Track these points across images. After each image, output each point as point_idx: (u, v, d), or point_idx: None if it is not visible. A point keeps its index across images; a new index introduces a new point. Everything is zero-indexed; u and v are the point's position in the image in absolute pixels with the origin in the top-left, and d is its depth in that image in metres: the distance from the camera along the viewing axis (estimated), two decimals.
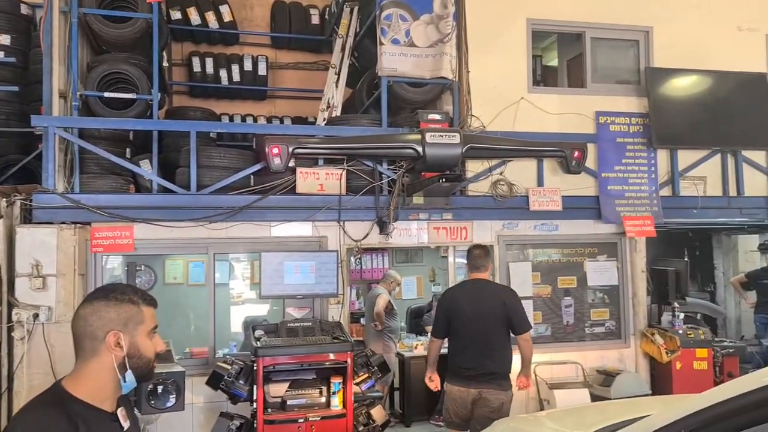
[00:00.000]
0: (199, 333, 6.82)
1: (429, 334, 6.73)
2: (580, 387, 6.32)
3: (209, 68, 8.17)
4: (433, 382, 4.94)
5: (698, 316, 8.62)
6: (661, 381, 6.78)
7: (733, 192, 7.21)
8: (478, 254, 4.86)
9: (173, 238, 5.60)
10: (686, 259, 10.76)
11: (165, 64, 7.06)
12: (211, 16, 8.04)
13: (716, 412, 1.77)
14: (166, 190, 5.69)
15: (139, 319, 1.79)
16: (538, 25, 6.78)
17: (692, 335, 6.65)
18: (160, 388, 4.42)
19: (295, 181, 5.71)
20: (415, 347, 7.75)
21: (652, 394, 6.44)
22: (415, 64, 6.16)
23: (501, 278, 6.50)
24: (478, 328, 4.63)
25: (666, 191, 7.01)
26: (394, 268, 9.42)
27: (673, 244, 10.60)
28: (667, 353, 6.50)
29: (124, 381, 1.77)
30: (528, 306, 6.56)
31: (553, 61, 9.07)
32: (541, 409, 6.27)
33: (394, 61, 6.10)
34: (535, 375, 6.42)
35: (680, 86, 7.08)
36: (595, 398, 6.23)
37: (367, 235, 5.98)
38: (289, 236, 5.81)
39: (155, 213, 5.55)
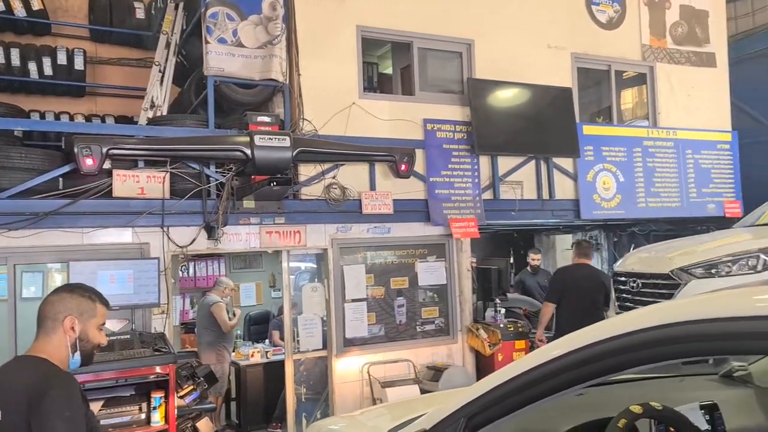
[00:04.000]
0: (1, 354, 6.12)
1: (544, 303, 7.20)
2: (411, 384, 6.54)
3: (15, 60, 7.37)
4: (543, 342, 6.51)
5: (521, 310, 9.30)
6: (485, 372, 7.19)
7: (546, 195, 7.84)
8: (587, 245, 7.26)
9: None
10: (511, 257, 11.64)
11: None
12: (17, 3, 7.26)
13: (490, 397, 1.87)
14: None
15: (93, 314, 2.34)
16: (368, 33, 6.93)
17: (512, 328, 7.15)
18: None
19: (111, 184, 5.32)
20: (252, 355, 7.58)
21: None
22: (243, 65, 6.02)
23: (336, 281, 6.56)
24: (586, 299, 6.56)
25: (488, 195, 7.47)
26: (232, 275, 9.17)
27: (500, 244, 11.39)
28: (489, 346, 6.93)
29: (72, 358, 2.29)
30: (362, 308, 6.72)
31: (388, 69, 9.35)
32: None
33: (222, 60, 5.92)
34: (369, 375, 6.56)
35: (499, 97, 7.60)
36: (424, 394, 6.46)
37: (193, 240, 5.73)
38: (106, 243, 5.40)
39: None
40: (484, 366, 7.23)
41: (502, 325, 7.13)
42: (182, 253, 5.70)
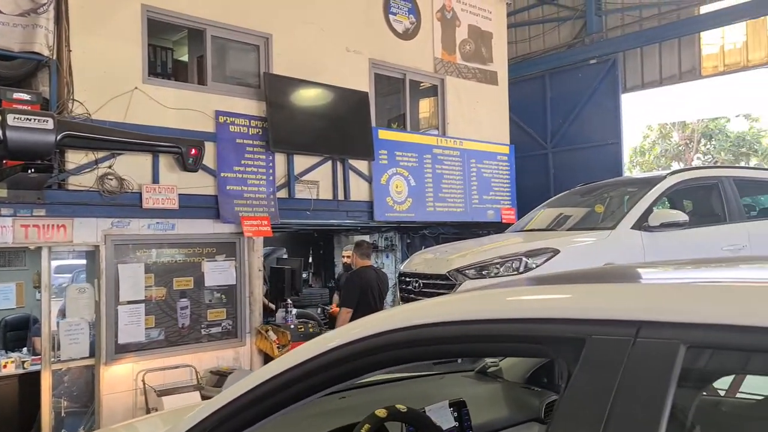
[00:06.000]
0: None
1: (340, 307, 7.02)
2: (192, 390, 6.17)
3: None
4: None
5: (318, 310, 9.33)
6: None
7: (341, 196, 7.92)
8: (367, 246, 7.18)
9: None
10: (311, 257, 11.65)
11: None
12: None
13: (233, 407, 1.72)
14: None
15: None
16: (155, 14, 6.41)
17: (302, 329, 7.08)
18: None
19: None
20: (4, 366, 6.58)
21: None
22: None
23: (109, 282, 5.98)
24: (378, 302, 6.71)
25: (283, 193, 7.33)
26: None
27: (299, 243, 11.34)
28: (278, 348, 6.79)
29: None
30: (139, 310, 6.20)
31: (185, 56, 8.82)
32: None
33: None
34: (144, 383, 6.06)
35: (297, 95, 7.51)
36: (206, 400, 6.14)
37: None
38: None
39: None
40: None
41: (292, 326, 7.03)
42: None
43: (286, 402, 1.65)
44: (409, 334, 1.24)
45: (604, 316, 1.03)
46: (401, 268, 7.01)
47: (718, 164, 16.92)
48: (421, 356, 1.26)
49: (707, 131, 19.66)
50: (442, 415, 2.25)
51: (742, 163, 17.84)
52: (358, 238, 11.90)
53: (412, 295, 6.36)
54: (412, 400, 2.19)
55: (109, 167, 5.94)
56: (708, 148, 19.96)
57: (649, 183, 6.02)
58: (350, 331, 1.55)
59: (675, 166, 20.21)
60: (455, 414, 2.30)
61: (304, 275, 10.39)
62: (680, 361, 0.89)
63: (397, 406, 1.87)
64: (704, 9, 10.54)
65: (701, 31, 10.50)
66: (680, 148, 20.26)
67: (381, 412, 1.81)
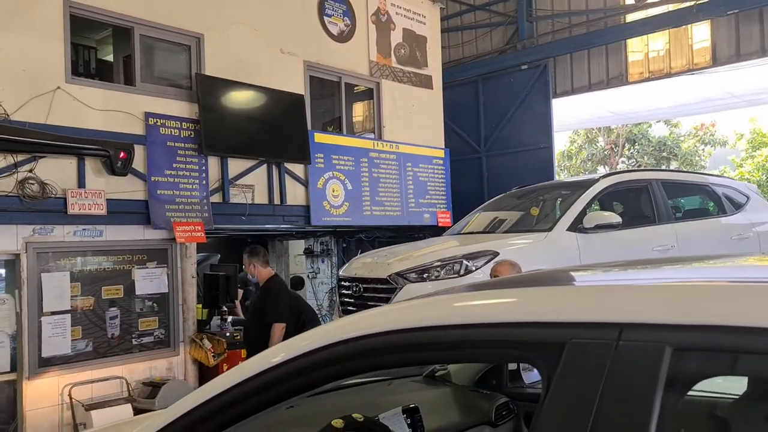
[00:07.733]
0: None
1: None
2: (123, 403, 5.89)
3: None
4: None
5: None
6: None
7: (277, 201, 7.76)
8: (265, 252, 6.11)
9: None
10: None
11: None
12: None
13: (179, 425, 1.62)
14: None
15: None
16: (79, 10, 6.08)
17: (238, 336, 6.89)
18: None
19: None
20: None
21: None
22: None
23: (31, 292, 5.64)
24: (295, 311, 5.94)
25: (217, 198, 7.11)
26: None
27: (232, 249, 11.06)
28: (214, 357, 6.58)
29: None
30: (65, 321, 5.88)
31: (110, 55, 8.44)
32: None
33: None
34: (71, 398, 5.74)
35: (230, 97, 7.30)
36: (139, 413, 5.87)
37: None
38: None
39: None
40: (207, 378, 6.84)
41: (228, 334, 6.84)
42: None
43: (237, 418, 1.57)
44: (373, 342, 1.19)
45: (583, 319, 1.00)
46: (340, 272, 6.92)
47: (642, 167, 17.70)
48: (384, 364, 1.21)
49: (631, 136, 20.55)
50: (395, 422, 2.21)
51: (663, 167, 18.73)
52: (292, 243, 11.74)
53: (352, 300, 6.30)
54: (363, 407, 2.13)
55: (30, 171, 5.59)
56: (632, 152, 20.86)
57: (582, 186, 6.19)
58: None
59: (601, 169, 20.99)
60: (408, 421, 2.26)
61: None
62: (666, 364, 0.87)
63: (354, 415, 1.81)
64: (630, 17, 11.00)
65: (627, 39, 10.93)
66: (606, 152, 21.07)
67: (338, 423, 1.74)
